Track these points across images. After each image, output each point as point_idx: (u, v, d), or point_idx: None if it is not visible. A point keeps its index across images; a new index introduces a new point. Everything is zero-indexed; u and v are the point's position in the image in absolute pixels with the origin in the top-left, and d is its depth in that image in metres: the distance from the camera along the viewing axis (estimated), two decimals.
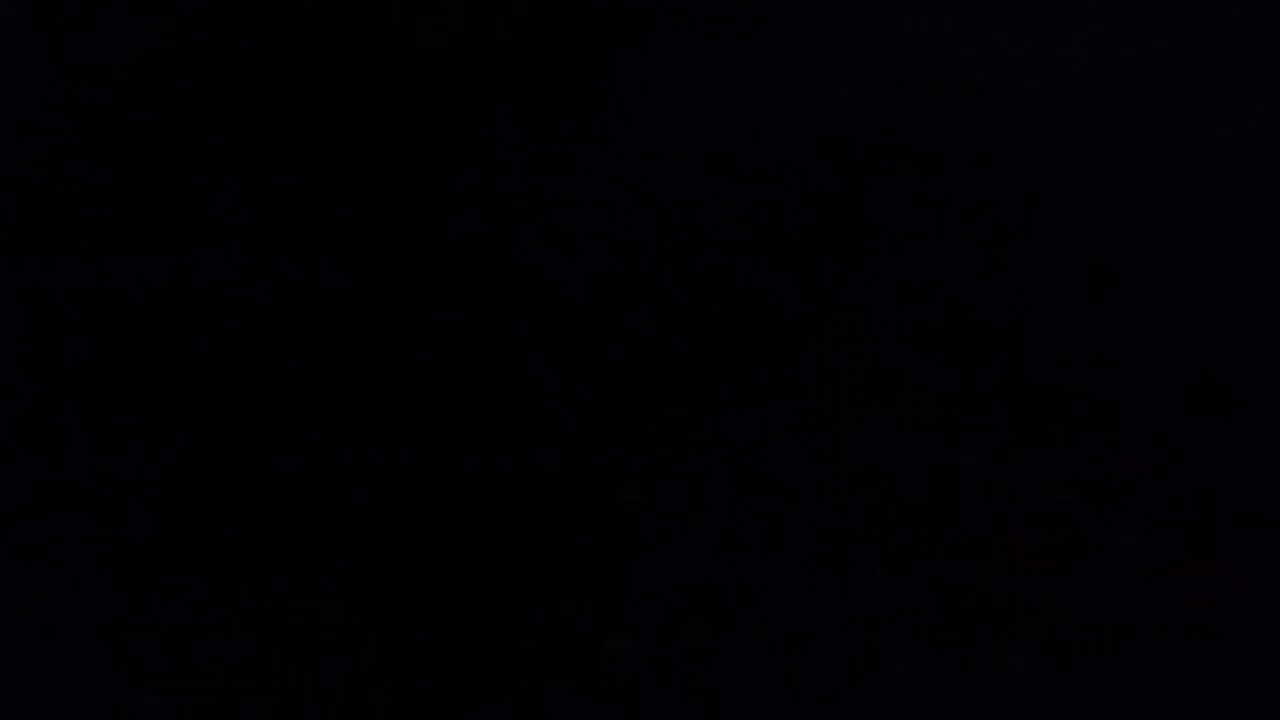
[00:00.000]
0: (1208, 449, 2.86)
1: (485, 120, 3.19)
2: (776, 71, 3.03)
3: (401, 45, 3.10)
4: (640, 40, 3.07)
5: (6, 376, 3.08)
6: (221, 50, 3.03)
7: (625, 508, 3.38)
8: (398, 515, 3.36)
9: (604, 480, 3.40)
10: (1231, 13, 2.70)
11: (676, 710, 3.11)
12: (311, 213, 3.22)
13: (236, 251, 3.18)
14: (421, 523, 3.39)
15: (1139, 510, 2.94)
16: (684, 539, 3.29)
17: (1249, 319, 2.81)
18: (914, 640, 2.98)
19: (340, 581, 3.25)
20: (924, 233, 3.04)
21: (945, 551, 3.05)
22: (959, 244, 3.03)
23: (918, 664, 2.96)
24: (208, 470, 3.20)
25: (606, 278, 3.27)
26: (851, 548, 3.12)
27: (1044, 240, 2.93)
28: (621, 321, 3.29)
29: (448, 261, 3.29)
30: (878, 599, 3.05)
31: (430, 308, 3.30)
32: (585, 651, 3.26)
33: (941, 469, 3.08)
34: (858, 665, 2.98)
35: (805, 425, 3.20)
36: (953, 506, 3.05)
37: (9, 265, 3.08)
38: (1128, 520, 2.96)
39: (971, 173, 2.96)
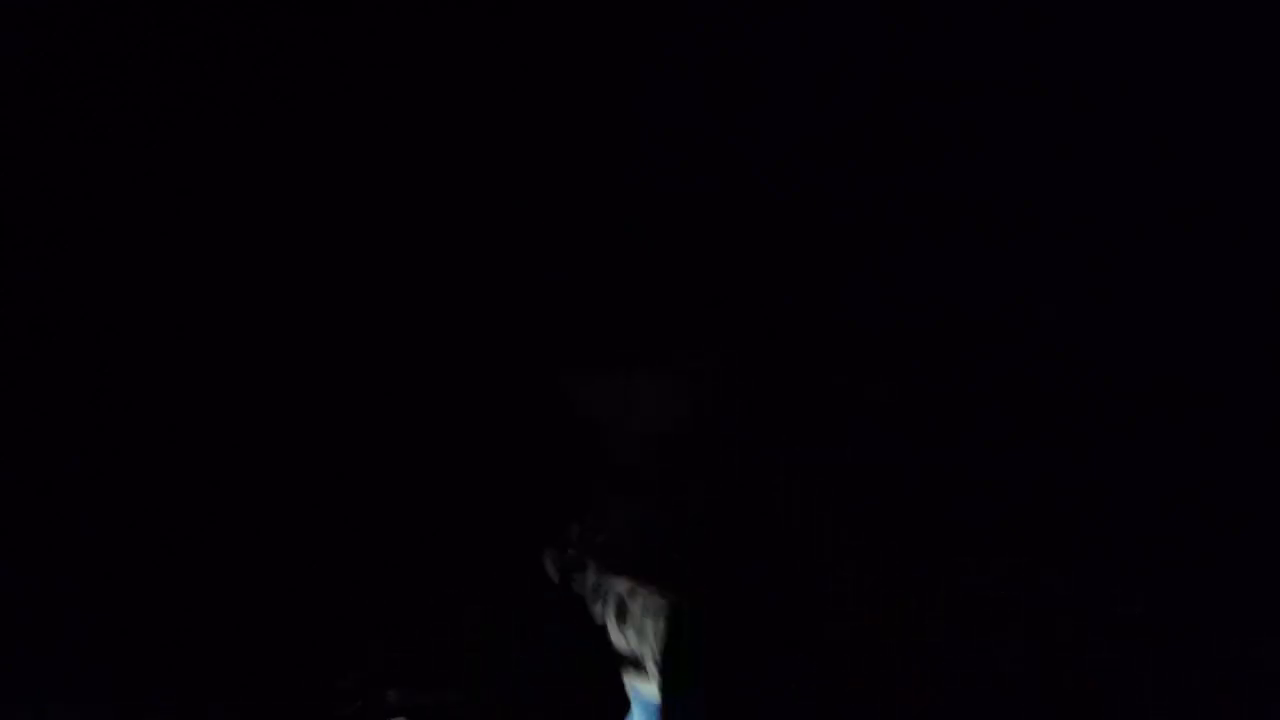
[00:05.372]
0: (1206, 450, 2.85)
1: (484, 120, 3.18)
2: (777, 72, 3.02)
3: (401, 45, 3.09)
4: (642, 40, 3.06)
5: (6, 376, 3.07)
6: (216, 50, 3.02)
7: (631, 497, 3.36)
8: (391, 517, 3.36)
9: (605, 478, 3.39)
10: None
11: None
12: (310, 213, 3.21)
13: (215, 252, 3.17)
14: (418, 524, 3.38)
15: (1138, 510, 2.93)
16: (682, 533, 3.28)
17: (1248, 322, 2.80)
18: (910, 636, 2.97)
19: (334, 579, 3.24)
20: (925, 233, 3.03)
21: (943, 550, 3.04)
22: (960, 245, 3.01)
23: (915, 660, 2.95)
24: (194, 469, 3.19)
25: (605, 277, 3.25)
26: (849, 546, 3.11)
27: (1044, 241, 2.91)
28: (623, 320, 3.27)
29: (446, 261, 3.28)
30: (875, 598, 3.04)
31: (427, 306, 3.29)
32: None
33: (942, 468, 3.07)
34: (855, 660, 2.97)
35: (807, 423, 3.19)
36: (952, 505, 3.04)
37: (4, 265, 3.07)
38: (1126, 520, 2.94)
39: (973, 173, 2.95)
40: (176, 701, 3.24)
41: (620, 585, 3.40)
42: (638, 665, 3.51)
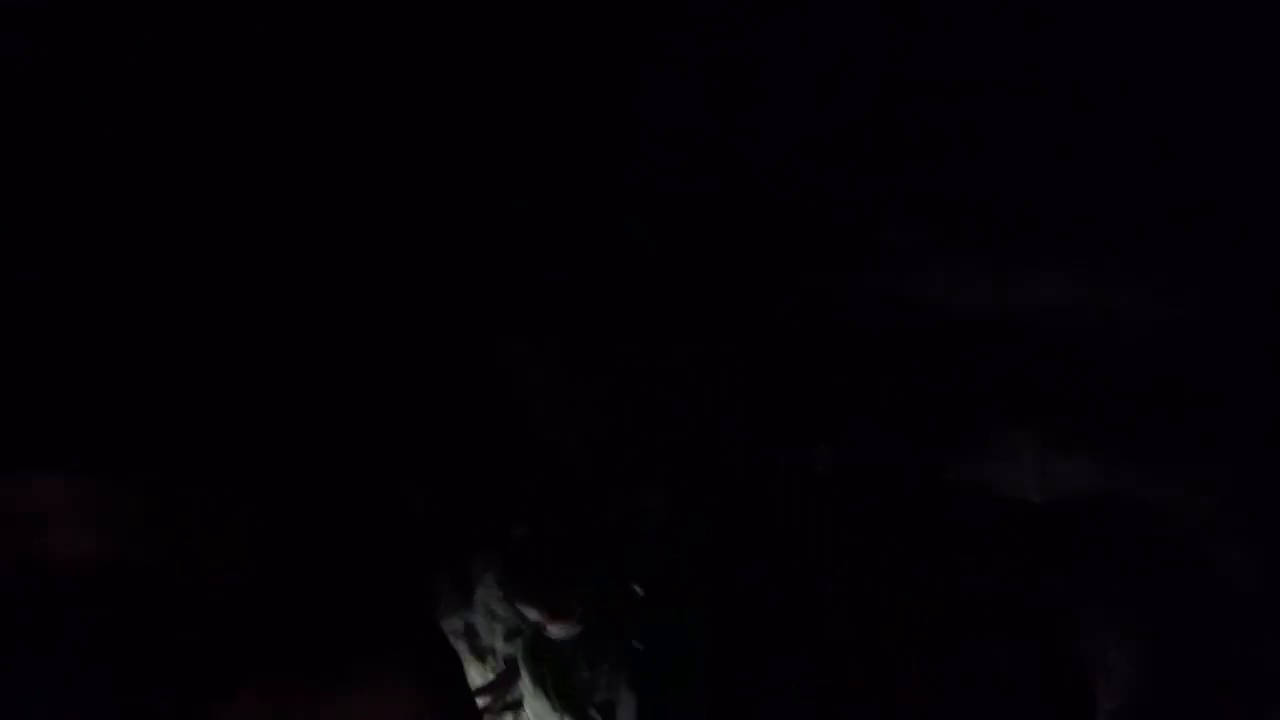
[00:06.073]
0: (1206, 449, 2.85)
1: (485, 120, 3.17)
2: (776, 72, 3.02)
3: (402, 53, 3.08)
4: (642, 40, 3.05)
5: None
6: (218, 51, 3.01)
7: (625, 504, 3.36)
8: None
9: (602, 484, 3.39)
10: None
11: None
12: (313, 212, 3.21)
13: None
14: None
15: (1143, 511, 2.92)
16: (685, 530, 3.28)
17: (1248, 322, 2.79)
18: (910, 636, 2.97)
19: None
20: (925, 233, 3.02)
21: (943, 550, 3.04)
22: (959, 245, 3.01)
23: (915, 660, 2.95)
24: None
25: (607, 277, 3.25)
26: (849, 546, 3.11)
27: (1044, 241, 2.91)
28: (624, 320, 3.27)
29: (444, 260, 3.27)
30: (875, 598, 3.04)
31: (426, 305, 3.28)
32: None
33: (942, 468, 3.07)
34: (855, 660, 2.97)
35: (807, 423, 3.19)
36: (952, 506, 3.04)
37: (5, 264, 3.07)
38: (1131, 521, 2.94)
39: (973, 173, 2.95)
40: (176, 702, 3.24)
41: (540, 616, 3.33)
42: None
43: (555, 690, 3.43)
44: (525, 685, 3.54)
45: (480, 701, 3.69)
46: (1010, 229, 2.98)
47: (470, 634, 3.80)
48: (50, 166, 3.01)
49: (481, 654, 3.83)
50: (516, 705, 3.67)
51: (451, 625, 3.81)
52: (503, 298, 3.27)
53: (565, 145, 3.14)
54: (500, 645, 3.77)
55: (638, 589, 3.32)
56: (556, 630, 3.35)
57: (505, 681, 3.75)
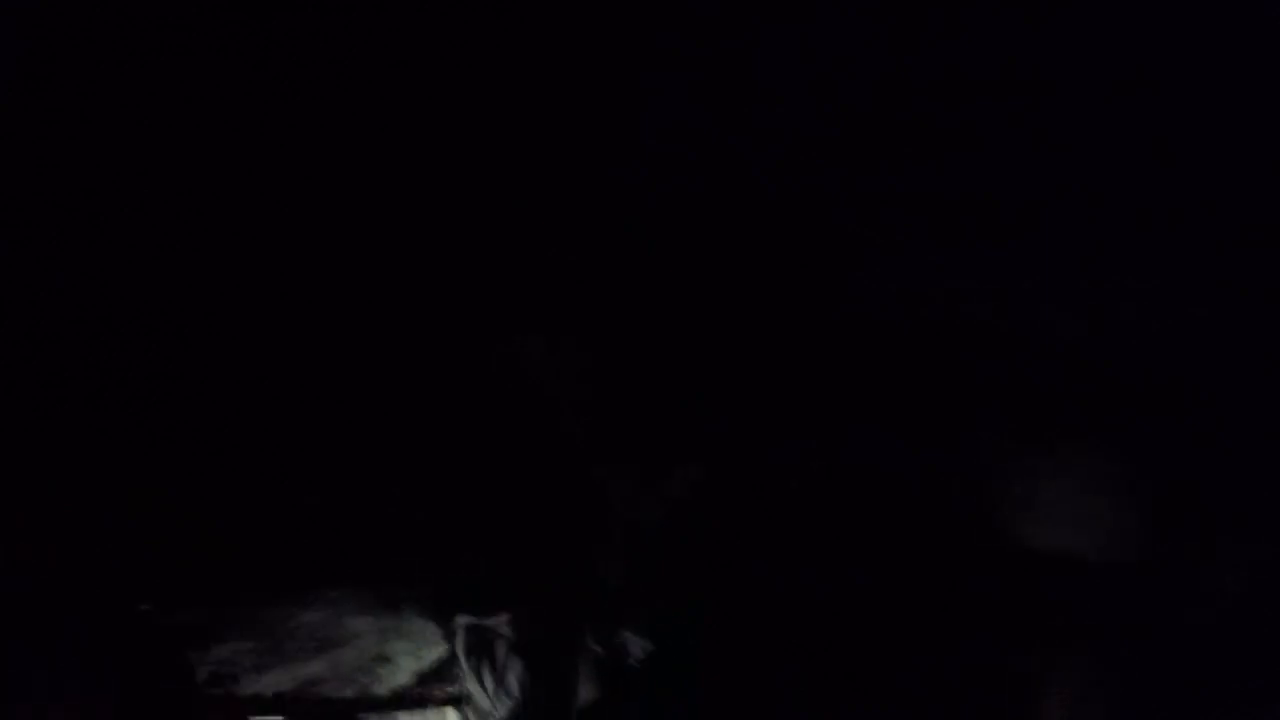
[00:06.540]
0: (1204, 450, 2.85)
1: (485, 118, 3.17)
2: (776, 71, 3.02)
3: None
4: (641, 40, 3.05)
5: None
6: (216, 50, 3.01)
7: (626, 508, 3.36)
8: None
9: (600, 486, 3.38)
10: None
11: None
12: (311, 213, 3.20)
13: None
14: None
15: (1143, 511, 2.92)
16: (685, 529, 3.28)
17: (1247, 322, 2.79)
18: (909, 636, 2.97)
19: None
20: (925, 233, 3.02)
21: (943, 550, 3.04)
22: (960, 245, 3.01)
23: (914, 660, 2.95)
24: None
25: (603, 278, 3.25)
26: (849, 546, 3.11)
27: (1045, 241, 2.91)
28: (621, 321, 3.26)
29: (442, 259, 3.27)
30: (875, 598, 3.04)
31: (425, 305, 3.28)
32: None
33: (941, 469, 3.07)
34: (854, 660, 2.97)
35: (807, 423, 3.18)
36: (952, 505, 3.03)
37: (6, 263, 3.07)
38: (1131, 520, 2.94)
39: (973, 173, 2.95)
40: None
41: (494, 607, 3.34)
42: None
43: (491, 679, 3.47)
44: (467, 673, 3.58)
45: (425, 689, 3.75)
46: (1010, 229, 2.98)
47: (439, 611, 3.84)
48: (47, 166, 3.01)
49: (451, 637, 3.88)
50: (463, 697, 3.70)
51: (423, 608, 3.84)
52: (499, 299, 3.27)
53: (564, 145, 3.14)
54: (461, 631, 3.82)
55: (640, 588, 3.33)
56: (498, 621, 3.39)
57: (448, 667, 3.79)
